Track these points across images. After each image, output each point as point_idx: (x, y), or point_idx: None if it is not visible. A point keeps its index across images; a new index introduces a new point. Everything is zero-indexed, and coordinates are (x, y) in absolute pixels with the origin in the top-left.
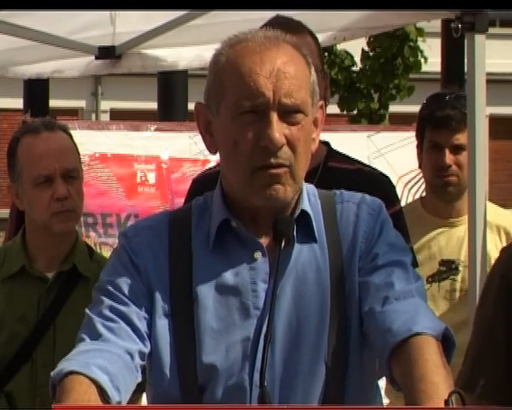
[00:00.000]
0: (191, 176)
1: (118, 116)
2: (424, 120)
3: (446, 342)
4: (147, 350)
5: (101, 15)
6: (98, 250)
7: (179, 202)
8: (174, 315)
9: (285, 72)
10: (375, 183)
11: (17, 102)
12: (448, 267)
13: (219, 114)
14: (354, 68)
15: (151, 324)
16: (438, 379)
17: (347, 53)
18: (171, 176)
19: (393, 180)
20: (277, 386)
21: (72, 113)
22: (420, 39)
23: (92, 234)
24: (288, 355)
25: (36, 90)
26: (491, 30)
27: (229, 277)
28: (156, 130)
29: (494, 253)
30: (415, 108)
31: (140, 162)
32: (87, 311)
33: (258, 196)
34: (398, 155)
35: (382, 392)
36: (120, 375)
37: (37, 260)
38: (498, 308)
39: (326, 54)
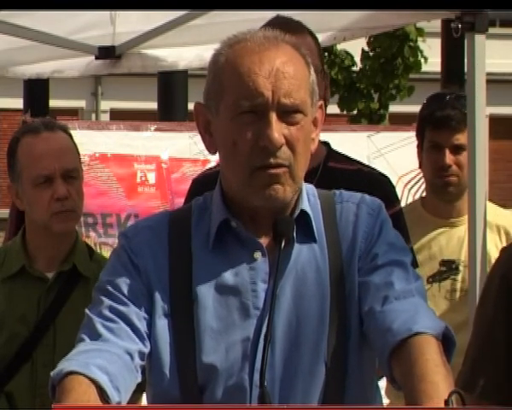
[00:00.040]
0: (191, 176)
1: (118, 116)
2: (424, 120)
3: (446, 342)
4: (146, 350)
5: (101, 15)
6: (98, 250)
7: (179, 202)
8: (174, 315)
9: (284, 72)
10: (375, 183)
11: (17, 102)
12: (448, 267)
13: (218, 114)
14: (354, 68)
15: (151, 324)
16: (438, 379)
17: (347, 53)
18: (171, 176)
19: (393, 180)
20: (277, 386)
21: (72, 113)
22: (420, 39)
23: (92, 234)
24: (287, 355)
25: (36, 90)
26: (491, 30)
27: (228, 277)
28: (156, 130)
29: (494, 253)
30: (415, 108)
31: (140, 162)
32: (87, 311)
33: (257, 196)
34: (398, 155)
35: (382, 392)
36: (120, 375)
37: (37, 260)
38: (498, 308)
39: (326, 54)
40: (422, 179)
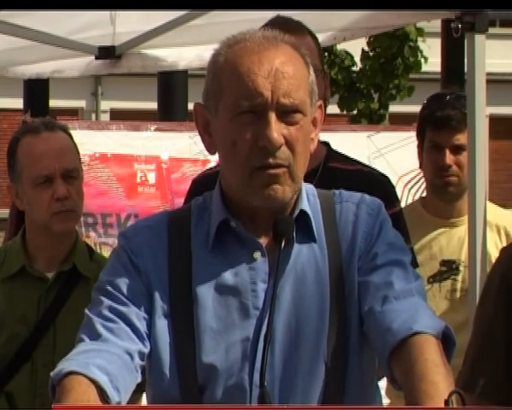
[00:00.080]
0: (191, 176)
1: (118, 116)
2: (425, 120)
3: (446, 341)
4: (146, 350)
5: (101, 15)
6: (98, 250)
7: (179, 202)
8: (174, 315)
9: (283, 72)
10: (375, 183)
11: (17, 102)
12: (449, 267)
13: (218, 115)
14: (354, 68)
15: (150, 324)
16: (438, 378)
17: (347, 53)
18: (171, 176)
19: (393, 180)
20: (277, 386)
21: (72, 113)
22: (420, 39)
23: (92, 234)
24: (287, 355)
25: (36, 90)
26: (491, 30)
27: (228, 277)
28: (156, 130)
29: (494, 252)
30: (415, 108)
31: (140, 162)
32: (86, 311)
33: (256, 196)
34: (398, 155)
35: (383, 392)
36: (120, 375)
37: (37, 260)
38: (498, 308)
39: (326, 54)
40: (422, 179)
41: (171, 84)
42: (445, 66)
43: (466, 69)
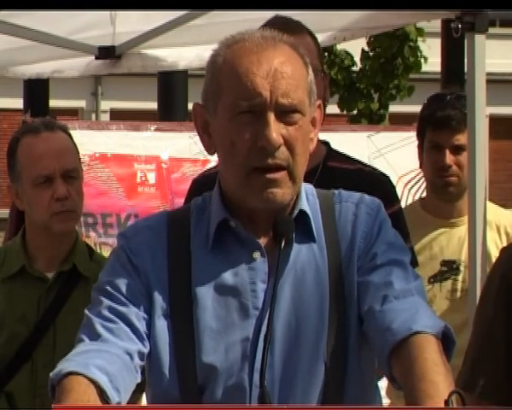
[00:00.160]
0: (191, 176)
1: (118, 116)
2: (425, 120)
3: (446, 341)
4: (146, 350)
5: (101, 15)
6: (98, 250)
7: (179, 202)
8: (173, 315)
9: (282, 72)
10: (376, 183)
11: (17, 102)
12: (449, 267)
13: (217, 115)
14: (354, 68)
15: (150, 324)
16: (438, 378)
17: (347, 53)
18: (171, 176)
19: (393, 180)
20: (277, 386)
21: (72, 113)
22: (420, 39)
23: (92, 234)
24: (287, 355)
25: (36, 90)
26: (491, 30)
27: (228, 277)
28: (156, 130)
29: (494, 252)
30: (415, 108)
31: (140, 162)
32: (86, 311)
33: (254, 198)
34: (398, 155)
35: (383, 392)
36: (120, 375)
37: (37, 260)
38: (498, 308)
39: (326, 54)
40: (422, 179)
41: (171, 84)
42: (445, 66)
43: (466, 69)
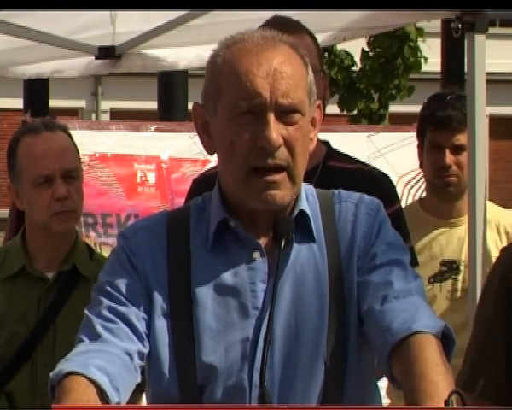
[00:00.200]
0: (191, 176)
1: (118, 116)
2: (425, 120)
3: (446, 341)
4: (146, 350)
5: (101, 15)
6: (98, 250)
7: (179, 202)
8: (173, 315)
9: (282, 72)
10: (376, 182)
11: (17, 102)
12: (449, 267)
13: (216, 115)
14: (354, 68)
15: (150, 324)
16: (438, 378)
17: (347, 53)
18: (171, 176)
19: (393, 180)
20: (276, 386)
21: (72, 113)
22: (420, 39)
23: (92, 234)
24: (286, 355)
25: (36, 90)
26: (491, 30)
27: (227, 277)
28: (156, 130)
29: (494, 251)
30: (415, 108)
31: (140, 162)
32: (86, 311)
33: (254, 199)
34: (398, 155)
35: (383, 392)
36: (119, 375)
37: (37, 260)
38: (498, 308)
39: (326, 54)
40: (422, 179)
41: (171, 84)
42: (445, 66)
43: (466, 69)
